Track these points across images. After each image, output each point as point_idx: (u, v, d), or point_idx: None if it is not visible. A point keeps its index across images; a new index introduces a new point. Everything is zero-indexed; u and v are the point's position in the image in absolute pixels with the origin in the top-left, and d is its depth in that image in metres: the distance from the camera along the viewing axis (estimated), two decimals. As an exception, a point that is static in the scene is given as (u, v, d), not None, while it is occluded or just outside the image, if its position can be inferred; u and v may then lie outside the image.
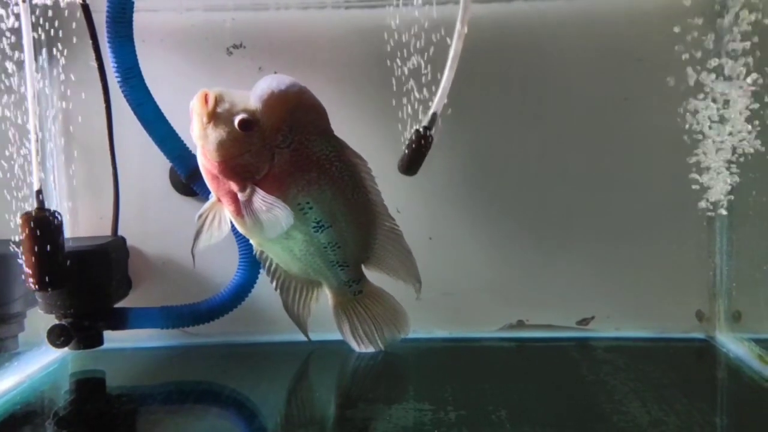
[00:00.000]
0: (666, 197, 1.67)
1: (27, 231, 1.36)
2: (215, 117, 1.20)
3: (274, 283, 1.47)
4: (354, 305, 1.53)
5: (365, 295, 1.52)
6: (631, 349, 1.64)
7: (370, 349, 1.57)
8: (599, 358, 1.57)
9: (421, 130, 1.16)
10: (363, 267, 1.51)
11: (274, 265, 1.46)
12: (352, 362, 1.58)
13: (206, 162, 1.27)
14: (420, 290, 1.50)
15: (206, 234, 1.33)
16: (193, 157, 1.59)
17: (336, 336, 1.58)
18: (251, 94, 1.24)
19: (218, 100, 1.21)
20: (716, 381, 1.50)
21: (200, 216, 1.33)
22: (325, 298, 1.53)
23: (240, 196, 1.27)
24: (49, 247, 1.37)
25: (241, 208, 1.28)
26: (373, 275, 1.54)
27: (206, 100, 1.20)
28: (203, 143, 1.23)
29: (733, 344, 1.63)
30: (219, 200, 1.32)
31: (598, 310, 1.73)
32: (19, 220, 1.36)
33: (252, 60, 1.70)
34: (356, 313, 1.54)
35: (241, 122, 1.19)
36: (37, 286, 1.37)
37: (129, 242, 1.70)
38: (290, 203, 1.27)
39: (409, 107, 1.45)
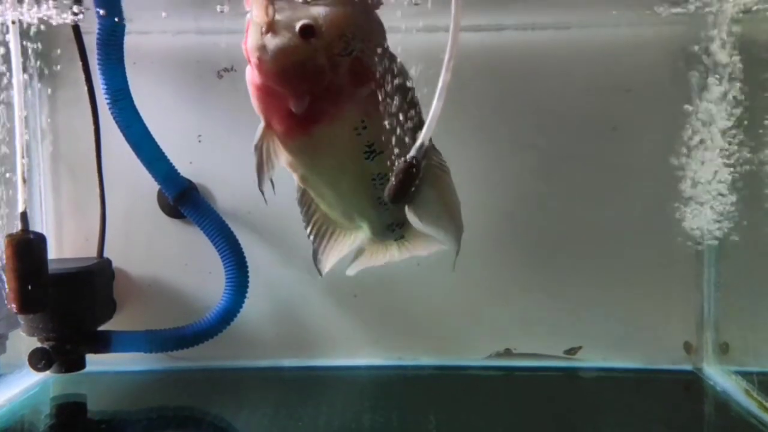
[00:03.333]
0: (654, 227, 1.67)
1: (10, 253, 1.35)
2: (276, 24, 1.13)
3: (309, 229, 1.38)
4: (392, 252, 1.45)
5: (407, 240, 1.43)
6: (618, 380, 1.64)
7: None
8: (587, 389, 1.56)
9: (409, 160, 1.16)
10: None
11: (313, 207, 1.37)
12: (338, 389, 1.56)
13: (261, 75, 1.17)
14: (458, 254, 1.36)
15: (267, 165, 1.25)
16: (181, 179, 1.59)
17: (326, 362, 1.57)
18: (314, 4, 1.17)
19: (278, 8, 1.14)
20: (702, 416, 1.49)
21: (256, 147, 1.25)
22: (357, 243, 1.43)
23: (295, 109, 1.18)
24: (31, 270, 1.35)
25: (294, 127, 1.21)
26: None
27: (266, 11, 1.12)
28: (260, 54, 1.14)
29: (721, 377, 1.62)
30: (269, 126, 1.23)
31: (586, 339, 1.72)
32: (2, 242, 1.36)
33: (242, 83, 1.68)
34: (390, 255, 1.45)
35: (303, 28, 1.12)
36: (18, 309, 1.36)
37: (114, 264, 1.69)
38: (345, 121, 1.21)
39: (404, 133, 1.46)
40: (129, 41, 1.48)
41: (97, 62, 1.46)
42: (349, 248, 1.42)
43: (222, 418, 1.43)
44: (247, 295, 1.62)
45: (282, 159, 1.27)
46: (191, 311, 1.66)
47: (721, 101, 1.52)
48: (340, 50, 1.16)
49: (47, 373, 1.55)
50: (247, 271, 1.61)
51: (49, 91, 1.68)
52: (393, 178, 1.15)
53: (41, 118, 1.68)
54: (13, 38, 1.37)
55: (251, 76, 1.20)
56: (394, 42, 1.28)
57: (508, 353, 1.73)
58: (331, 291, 1.72)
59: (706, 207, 1.58)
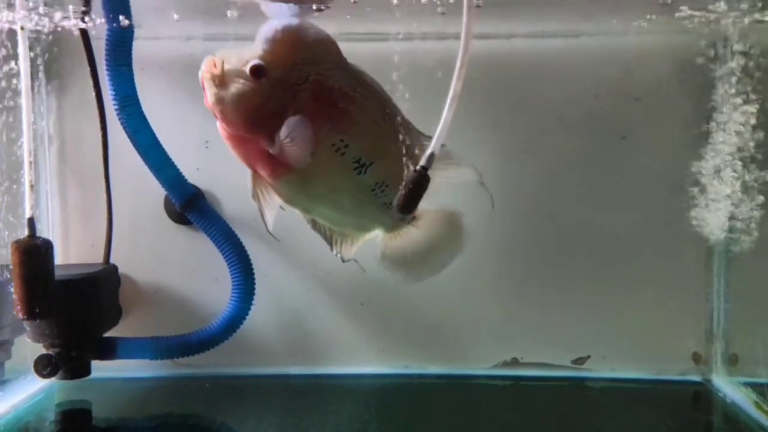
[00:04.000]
0: (663, 237, 1.66)
1: (17, 259, 1.34)
2: (226, 75, 1.15)
3: (335, 250, 1.37)
4: (409, 233, 1.40)
5: (420, 219, 1.39)
6: (626, 390, 1.63)
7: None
8: (595, 400, 1.55)
9: (419, 169, 1.15)
10: None
11: (328, 232, 1.37)
12: (344, 398, 1.55)
13: (229, 127, 1.20)
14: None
15: (267, 209, 1.27)
16: (188, 186, 1.59)
17: (332, 371, 1.56)
18: (256, 42, 1.18)
19: (225, 59, 1.15)
20: (711, 428, 1.48)
21: (253, 196, 1.27)
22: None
23: (272, 149, 1.19)
24: (38, 276, 1.35)
25: (277, 167, 1.21)
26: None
27: (214, 64, 1.15)
28: (221, 107, 1.16)
29: (730, 388, 1.61)
30: (255, 171, 1.25)
31: (593, 349, 1.71)
32: (9, 248, 1.35)
33: (251, 89, 1.69)
34: (413, 240, 1.40)
35: (253, 69, 1.14)
36: (24, 315, 1.35)
37: (121, 270, 1.68)
38: (324, 146, 1.20)
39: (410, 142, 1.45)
40: (137, 47, 1.48)
41: (106, 68, 1.45)
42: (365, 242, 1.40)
43: (228, 426, 1.42)
44: (254, 302, 1.61)
45: (278, 199, 1.28)
46: (197, 318, 1.65)
47: (732, 109, 1.51)
48: (295, 79, 1.17)
49: (52, 379, 1.55)
50: (254, 279, 1.60)
51: (57, 96, 1.67)
52: (402, 188, 1.15)
53: (48, 124, 1.68)
54: (21, 44, 1.37)
55: (221, 129, 1.22)
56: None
57: (515, 362, 1.72)
58: (338, 299, 1.71)
59: (715, 216, 1.57)
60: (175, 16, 1.47)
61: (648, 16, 1.47)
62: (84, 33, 1.52)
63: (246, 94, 1.15)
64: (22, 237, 1.37)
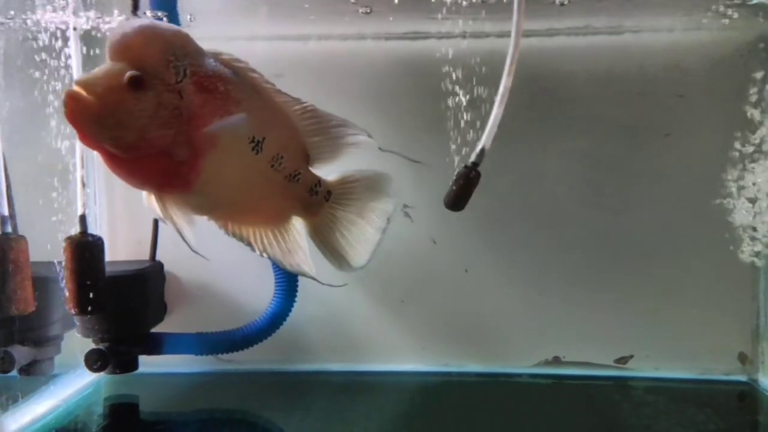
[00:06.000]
0: (708, 236, 1.64)
1: (69, 255, 1.37)
2: (104, 99, 0.99)
3: (258, 251, 1.27)
4: (332, 211, 1.35)
5: (335, 196, 1.34)
6: (671, 390, 1.61)
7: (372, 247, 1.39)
8: (639, 400, 1.53)
9: (469, 165, 1.15)
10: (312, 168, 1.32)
11: (246, 232, 1.27)
12: (386, 395, 1.56)
13: (126, 152, 1.05)
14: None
15: (185, 226, 1.15)
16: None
17: (372, 368, 1.56)
18: (110, 52, 1.04)
19: (91, 85, 0.99)
20: (758, 428, 1.46)
21: (165, 217, 1.14)
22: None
23: (178, 154, 1.08)
24: (90, 271, 1.37)
25: (187, 174, 1.10)
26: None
27: (84, 94, 0.98)
28: (111, 134, 1.01)
29: (777, 389, 1.59)
30: (161, 192, 1.13)
31: (637, 348, 1.70)
32: (63, 244, 1.38)
33: (290, 89, 1.70)
34: (339, 220, 1.35)
35: (132, 81, 1.01)
36: (76, 310, 1.38)
37: (166, 267, 1.71)
38: (223, 135, 1.10)
39: (450, 140, 1.46)
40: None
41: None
42: (304, 238, 1.33)
43: (274, 422, 1.43)
44: (296, 299, 1.62)
45: (190, 211, 1.17)
46: (240, 315, 1.67)
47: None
48: (174, 77, 1.06)
49: (101, 373, 1.58)
50: (297, 276, 1.61)
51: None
52: (453, 184, 1.15)
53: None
54: (73, 44, 1.40)
55: (108, 161, 1.07)
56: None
57: (556, 361, 1.72)
58: (379, 297, 1.72)
59: (762, 215, 1.55)
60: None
61: (697, 13, 1.46)
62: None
63: (135, 110, 1.02)
64: (74, 233, 1.40)
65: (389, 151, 1.30)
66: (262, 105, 1.19)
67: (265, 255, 1.27)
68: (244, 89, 1.16)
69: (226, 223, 1.25)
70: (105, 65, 1.03)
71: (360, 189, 1.36)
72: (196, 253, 1.17)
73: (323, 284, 1.33)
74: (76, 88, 0.99)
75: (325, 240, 1.34)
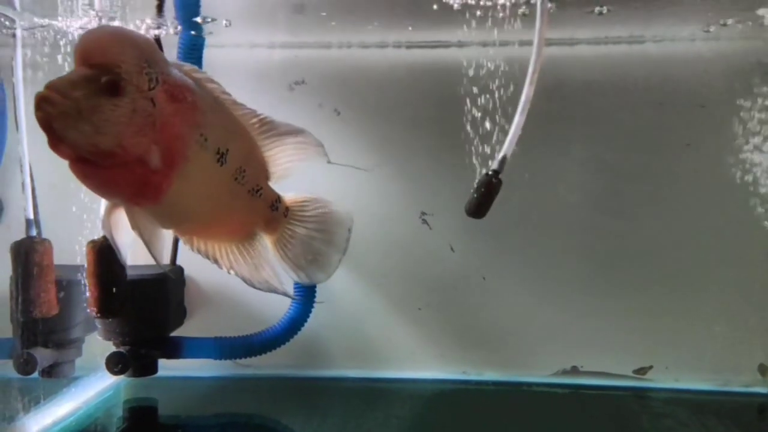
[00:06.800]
0: (729, 247, 1.63)
1: (92, 258, 1.39)
2: (81, 103, 0.94)
3: (225, 268, 1.23)
4: (291, 227, 1.32)
5: (292, 212, 1.32)
6: (691, 402, 1.59)
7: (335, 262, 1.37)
8: (659, 411, 1.52)
9: (490, 173, 1.16)
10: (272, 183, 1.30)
11: (213, 249, 1.23)
12: (403, 403, 1.56)
13: (103, 159, 0.99)
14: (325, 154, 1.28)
15: (155, 241, 1.11)
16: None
17: (389, 375, 1.57)
18: (81, 62, 0.98)
19: (63, 89, 0.93)
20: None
21: (135, 231, 1.08)
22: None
23: (153, 162, 1.02)
24: (112, 275, 1.39)
25: (160, 182, 1.05)
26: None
27: (57, 98, 0.92)
28: (87, 140, 0.95)
29: (797, 402, 1.57)
30: (133, 203, 1.06)
31: (656, 359, 1.68)
32: (85, 248, 1.40)
33: (311, 96, 1.72)
34: (298, 235, 1.33)
35: (108, 86, 0.96)
36: (98, 314, 1.40)
37: (186, 272, 1.73)
38: (191, 144, 1.07)
39: (472, 148, 1.46)
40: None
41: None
42: (270, 253, 1.31)
43: (291, 428, 1.44)
44: (315, 305, 1.63)
45: (160, 226, 1.12)
46: (259, 320, 1.68)
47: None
48: (147, 84, 1.01)
49: (121, 376, 1.59)
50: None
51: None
52: (474, 192, 1.15)
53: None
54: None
55: (78, 171, 1.00)
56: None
57: (575, 371, 1.71)
58: (397, 304, 1.72)
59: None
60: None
61: (719, 22, 1.46)
62: (157, 40, 1.57)
63: (112, 116, 0.97)
64: (96, 238, 1.41)
65: (337, 163, 1.29)
66: (224, 116, 1.16)
67: (232, 272, 1.23)
68: (207, 100, 1.12)
69: (191, 238, 1.21)
70: (77, 69, 0.97)
71: (317, 204, 1.35)
72: (162, 267, 1.18)
73: (292, 298, 1.36)
74: (49, 91, 0.92)
75: (285, 256, 1.32)
